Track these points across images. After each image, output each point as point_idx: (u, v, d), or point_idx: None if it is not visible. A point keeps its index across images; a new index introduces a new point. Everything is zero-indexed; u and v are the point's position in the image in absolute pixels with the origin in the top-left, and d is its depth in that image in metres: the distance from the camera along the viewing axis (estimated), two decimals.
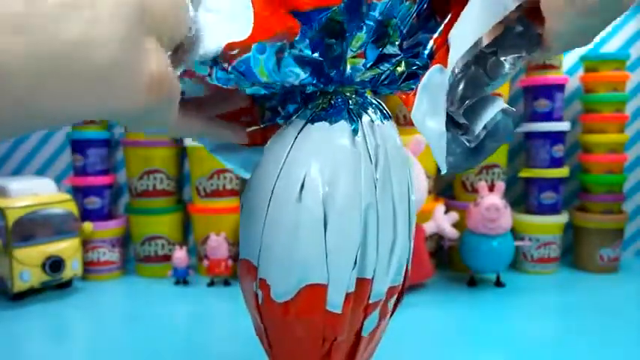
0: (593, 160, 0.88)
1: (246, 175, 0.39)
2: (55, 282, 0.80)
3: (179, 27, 0.26)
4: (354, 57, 0.33)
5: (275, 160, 0.34)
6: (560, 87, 0.88)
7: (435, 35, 0.33)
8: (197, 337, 0.63)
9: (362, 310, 0.34)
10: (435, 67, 0.31)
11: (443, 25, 0.32)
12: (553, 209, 0.89)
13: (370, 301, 0.34)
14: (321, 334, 0.34)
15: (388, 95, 0.38)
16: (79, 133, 0.90)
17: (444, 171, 0.33)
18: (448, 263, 0.92)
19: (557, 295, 0.79)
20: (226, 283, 0.84)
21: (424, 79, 0.31)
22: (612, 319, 0.66)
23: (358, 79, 0.34)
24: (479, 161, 0.33)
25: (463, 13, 0.30)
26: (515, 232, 0.85)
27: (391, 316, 0.39)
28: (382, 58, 0.34)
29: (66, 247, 0.80)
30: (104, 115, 0.23)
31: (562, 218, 0.88)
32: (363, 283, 0.33)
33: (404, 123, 0.86)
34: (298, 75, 0.31)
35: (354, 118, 0.34)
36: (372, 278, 0.33)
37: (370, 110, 0.35)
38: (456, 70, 0.30)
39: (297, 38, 0.30)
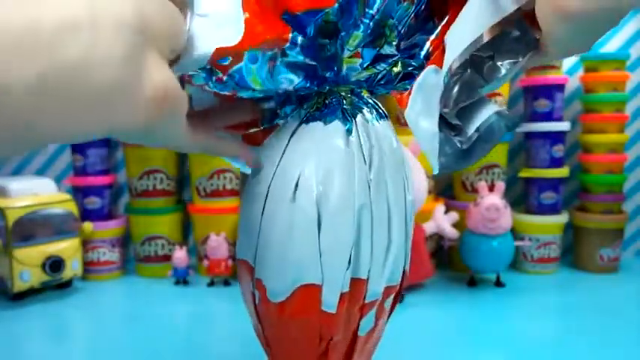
0: (593, 160, 0.88)
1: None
2: (55, 282, 0.80)
3: (178, 38, 0.26)
4: (350, 57, 0.33)
5: (270, 160, 0.35)
6: (560, 87, 0.88)
7: (432, 37, 0.33)
8: (197, 337, 0.63)
9: (358, 310, 0.34)
10: (430, 68, 0.31)
11: (440, 27, 0.32)
12: (553, 209, 0.89)
13: (366, 301, 0.34)
14: (317, 334, 0.34)
15: (388, 95, 0.38)
16: None
17: (435, 171, 0.33)
18: (448, 263, 0.92)
19: (557, 295, 0.79)
20: (226, 283, 0.84)
21: (419, 79, 0.31)
22: (612, 319, 0.66)
23: (354, 79, 0.34)
24: (470, 163, 0.33)
25: (460, 15, 0.30)
26: (515, 232, 0.85)
27: (389, 316, 0.39)
28: (379, 58, 0.34)
29: (66, 247, 0.80)
30: (109, 133, 0.23)
31: (562, 218, 0.88)
32: (357, 284, 0.33)
33: (404, 123, 0.86)
34: (292, 81, 0.32)
35: (348, 118, 0.34)
36: (367, 278, 0.33)
37: (365, 110, 0.35)
38: (453, 68, 0.30)
39: (287, 44, 0.30)
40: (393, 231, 0.34)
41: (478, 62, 0.31)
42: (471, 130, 0.32)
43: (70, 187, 0.93)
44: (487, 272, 0.82)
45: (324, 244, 0.32)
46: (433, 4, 0.33)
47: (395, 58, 0.34)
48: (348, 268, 0.32)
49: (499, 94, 0.87)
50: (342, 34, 0.31)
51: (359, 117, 0.34)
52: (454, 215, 0.81)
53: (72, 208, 0.82)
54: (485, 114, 0.32)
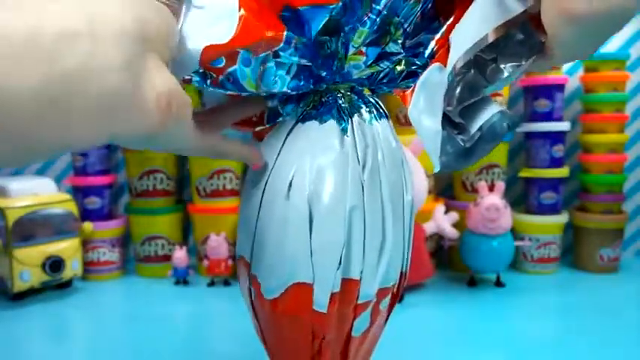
0: (593, 160, 0.88)
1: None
2: (55, 282, 0.80)
3: (173, 41, 0.27)
4: (355, 54, 0.33)
5: (268, 158, 0.35)
6: (560, 87, 0.88)
7: (437, 36, 0.33)
8: (197, 337, 0.63)
9: (351, 310, 0.34)
10: (434, 66, 0.31)
11: (445, 26, 0.32)
12: (553, 209, 0.89)
13: (359, 302, 0.34)
14: (310, 333, 0.34)
15: (388, 95, 0.38)
16: None
17: (437, 169, 0.33)
18: (448, 263, 0.92)
19: (557, 295, 0.79)
20: (226, 283, 0.84)
21: (423, 77, 0.31)
22: (612, 319, 0.66)
23: (356, 77, 0.34)
24: (470, 162, 0.33)
25: (466, 15, 0.30)
26: (515, 232, 0.85)
27: (387, 317, 0.39)
28: (382, 56, 0.34)
29: (66, 247, 0.80)
30: (114, 141, 0.23)
31: (562, 218, 0.88)
32: (349, 284, 0.33)
33: (404, 123, 0.86)
34: (285, 81, 0.31)
35: (344, 117, 0.34)
36: (360, 279, 0.33)
37: (364, 109, 0.35)
38: (457, 68, 0.30)
39: (280, 45, 0.30)
40: (388, 232, 0.34)
41: (481, 63, 0.31)
42: (474, 129, 0.32)
43: (70, 187, 0.93)
44: (487, 272, 0.82)
45: (315, 244, 0.32)
46: (439, 3, 0.33)
47: (399, 57, 0.34)
48: (338, 269, 0.32)
49: (499, 94, 0.86)
50: (346, 29, 0.31)
51: (356, 116, 0.34)
52: (454, 215, 0.80)
53: (72, 208, 0.82)
54: (488, 113, 0.32)
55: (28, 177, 0.89)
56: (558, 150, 0.88)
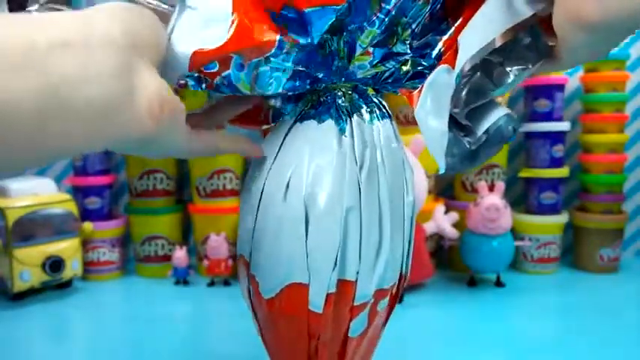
0: (593, 160, 0.88)
1: None
2: (55, 282, 0.80)
3: (163, 47, 0.27)
4: (362, 54, 0.33)
5: (267, 158, 0.35)
6: (560, 87, 0.88)
7: (445, 37, 0.33)
8: (197, 337, 0.63)
9: (347, 311, 0.34)
10: (442, 67, 0.31)
11: (454, 28, 0.32)
12: (553, 209, 0.89)
13: (355, 303, 0.34)
14: (306, 332, 0.34)
15: (389, 94, 0.38)
16: None
17: (442, 171, 0.32)
18: (448, 263, 0.92)
19: (557, 295, 0.79)
20: (226, 283, 0.84)
21: (430, 78, 0.31)
22: (612, 319, 0.66)
23: (360, 76, 0.34)
24: (475, 165, 0.33)
25: (475, 16, 0.30)
26: (515, 232, 0.85)
27: (387, 319, 0.39)
28: (388, 56, 0.33)
29: (66, 247, 0.80)
30: (110, 146, 0.24)
31: (562, 218, 0.88)
32: (345, 285, 0.33)
33: (404, 122, 0.86)
34: (280, 82, 0.31)
35: (343, 117, 0.34)
36: (356, 280, 0.33)
37: (364, 109, 0.34)
38: (465, 70, 0.30)
39: (272, 52, 0.30)
40: (385, 233, 0.34)
41: (488, 66, 0.30)
42: (480, 131, 0.32)
43: (70, 187, 0.93)
44: (487, 272, 0.82)
45: (311, 244, 0.32)
46: (448, 5, 0.32)
47: (406, 57, 0.34)
48: (334, 269, 0.32)
49: None
50: (349, 28, 0.31)
51: (355, 116, 0.34)
52: (454, 215, 0.80)
53: (72, 208, 0.82)
54: (495, 116, 0.32)
55: (28, 177, 0.89)
56: (558, 150, 0.88)
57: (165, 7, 0.30)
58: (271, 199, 0.34)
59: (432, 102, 0.31)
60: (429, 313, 0.70)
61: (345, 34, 0.32)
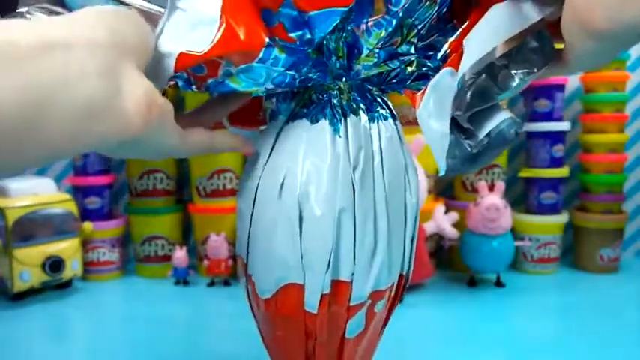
0: (593, 160, 0.88)
1: None
2: (55, 282, 0.80)
3: (149, 48, 0.27)
4: (368, 56, 0.33)
5: (260, 156, 0.35)
6: (560, 87, 0.88)
7: (451, 39, 0.33)
8: (197, 337, 0.63)
9: (343, 311, 0.34)
10: (446, 70, 0.31)
11: (460, 31, 0.32)
12: (553, 209, 0.89)
13: (351, 304, 0.34)
14: (303, 332, 0.34)
15: (389, 95, 0.38)
16: None
17: (442, 173, 0.32)
18: (448, 263, 0.92)
19: (557, 295, 0.79)
20: (226, 283, 0.84)
21: (434, 80, 0.31)
22: (612, 319, 0.66)
23: (363, 76, 0.34)
24: (475, 167, 0.33)
25: (482, 20, 0.29)
26: (515, 232, 0.85)
27: (387, 320, 0.39)
28: (393, 56, 0.33)
29: (66, 247, 0.80)
30: (99, 148, 0.24)
31: (562, 218, 0.88)
32: (339, 285, 0.33)
33: (404, 122, 0.86)
34: (270, 75, 0.31)
35: (337, 117, 0.33)
36: (351, 281, 0.33)
37: (363, 109, 0.34)
38: (467, 77, 0.30)
39: (259, 57, 0.29)
40: (380, 234, 0.34)
41: (493, 69, 0.30)
42: (482, 134, 0.32)
43: (70, 187, 0.93)
44: (487, 272, 0.82)
45: (305, 245, 0.32)
46: (455, 7, 0.32)
47: (411, 57, 0.33)
48: (327, 270, 0.32)
49: None
50: (348, 28, 0.31)
51: (351, 116, 0.33)
52: (454, 215, 0.81)
53: (72, 208, 0.82)
54: (497, 119, 0.32)
55: (28, 177, 0.89)
56: (558, 150, 0.88)
57: (155, 10, 0.30)
58: (266, 199, 0.34)
59: (435, 104, 0.31)
60: (429, 313, 0.70)
61: (344, 34, 0.31)
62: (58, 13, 0.30)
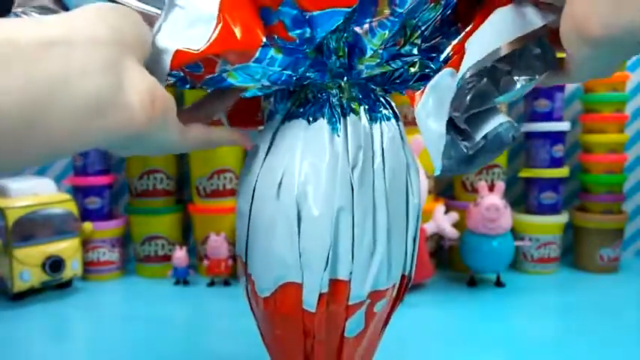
0: (593, 160, 0.88)
1: None
2: (55, 282, 0.80)
3: (148, 45, 0.27)
4: (371, 56, 0.33)
5: (258, 155, 0.35)
6: (560, 87, 0.88)
7: (454, 42, 0.33)
8: (197, 337, 0.63)
9: (342, 310, 0.34)
10: (446, 70, 0.31)
11: (463, 33, 0.32)
12: (553, 209, 0.89)
13: (350, 303, 0.34)
14: (301, 331, 0.34)
15: (392, 95, 0.38)
16: None
17: (437, 172, 0.32)
18: (448, 263, 0.92)
19: (557, 295, 0.79)
20: (226, 283, 0.84)
21: (434, 80, 0.31)
22: (612, 319, 0.66)
23: (365, 75, 0.34)
24: (471, 169, 0.33)
25: (486, 23, 0.29)
26: (515, 232, 0.85)
27: (387, 320, 0.39)
28: (395, 57, 0.33)
29: (66, 247, 0.80)
30: (104, 144, 0.24)
31: (562, 218, 0.88)
32: (338, 285, 0.33)
33: (404, 122, 0.86)
34: (266, 72, 0.31)
35: (336, 117, 0.33)
36: (349, 280, 0.33)
37: (363, 108, 0.34)
38: (467, 76, 0.30)
39: (257, 56, 0.29)
40: (379, 234, 0.34)
41: (495, 73, 0.30)
42: (479, 136, 0.32)
43: (70, 187, 0.93)
44: (487, 272, 0.82)
45: (303, 244, 0.32)
46: (459, 10, 0.32)
47: (413, 58, 0.33)
48: (325, 269, 0.32)
49: None
50: (348, 28, 0.31)
51: (351, 115, 0.33)
52: (454, 215, 0.81)
53: (72, 208, 0.82)
54: (495, 123, 0.32)
55: (28, 177, 0.89)
56: (558, 150, 0.88)
57: (153, 11, 0.30)
58: (264, 198, 0.34)
59: (434, 104, 0.31)
60: (429, 313, 0.70)
61: (345, 34, 0.31)
62: (54, 12, 0.30)
